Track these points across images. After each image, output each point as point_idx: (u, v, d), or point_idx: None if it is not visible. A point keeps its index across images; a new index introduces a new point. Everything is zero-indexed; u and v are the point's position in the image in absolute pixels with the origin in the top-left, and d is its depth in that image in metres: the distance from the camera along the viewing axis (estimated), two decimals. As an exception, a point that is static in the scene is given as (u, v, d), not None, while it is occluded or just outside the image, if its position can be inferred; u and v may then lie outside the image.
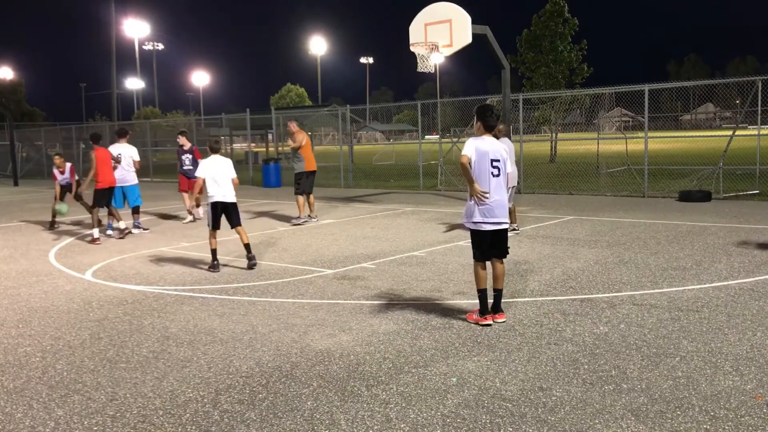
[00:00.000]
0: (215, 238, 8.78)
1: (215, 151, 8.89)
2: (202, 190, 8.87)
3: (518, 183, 18.14)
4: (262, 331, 6.02)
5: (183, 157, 14.50)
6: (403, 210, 15.24)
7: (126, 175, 12.54)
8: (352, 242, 10.85)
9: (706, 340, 5.42)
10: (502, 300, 6.17)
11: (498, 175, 6.00)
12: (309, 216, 13.39)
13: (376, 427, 4.03)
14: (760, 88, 15.32)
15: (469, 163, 5.95)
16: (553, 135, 28.98)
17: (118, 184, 12.20)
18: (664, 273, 7.88)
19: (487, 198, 5.93)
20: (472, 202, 6.00)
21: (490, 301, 6.07)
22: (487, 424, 4.02)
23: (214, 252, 8.78)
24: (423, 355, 5.26)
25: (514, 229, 11.22)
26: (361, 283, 7.86)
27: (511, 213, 11.25)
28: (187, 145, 14.53)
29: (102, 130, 37.99)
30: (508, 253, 6.19)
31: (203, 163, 8.82)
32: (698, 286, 7.21)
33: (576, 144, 31.67)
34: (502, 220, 6.03)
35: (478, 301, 6.07)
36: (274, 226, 13.08)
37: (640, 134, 18.88)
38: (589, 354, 5.18)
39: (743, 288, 7.07)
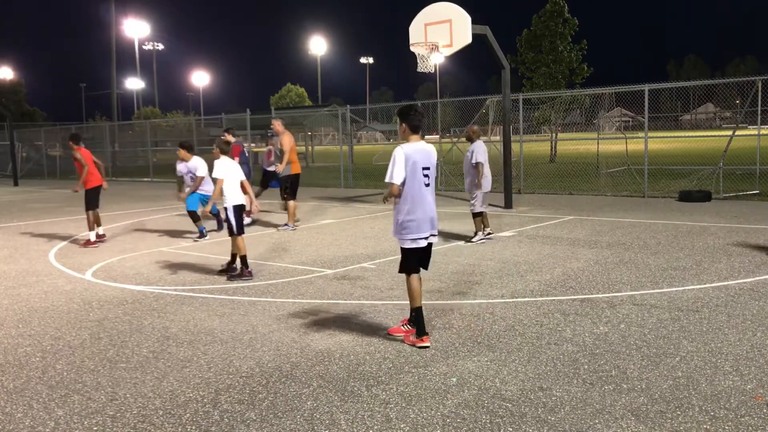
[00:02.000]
0: (242, 241, 8.26)
1: (226, 152, 8.52)
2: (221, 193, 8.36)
3: (519, 183, 18.16)
4: (262, 331, 6.02)
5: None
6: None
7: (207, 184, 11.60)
8: (352, 242, 10.85)
9: (706, 340, 5.42)
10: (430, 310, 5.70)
11: (428, 185, 5.56)
12: (287, 224, 12.65)
13: (376, 427, 4.03)
14: (760, 88, 15.32)
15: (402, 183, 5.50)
16: (553, 135, 28.98)
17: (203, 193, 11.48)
18: (664, 273, 7.88)
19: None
20: (403, 215, 5.52)
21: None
22: (487, 424, 4.02)
23: (244, 258, 8.24)
24: (423, 355, 5.26)
25: (488, 236, 10.58)
26: (361, 283, 7.86)
27: (484, 218, 10.64)
28: (231, 142, 13.95)
29: (102, 130, 38.01)
30: (427, 268, 5.81)
31: (223, 165, 8.33)
32: (698, 286, 7.21)
33: (576, 144, 31.67)
34: (434, 233, 5.64)
35: (414, 318, 5.60)
36: (275, 226, 13.08)
37: (640, 134, 18.88)
38: (589, 354, 5.18)
39: (743, 288, 7.07)
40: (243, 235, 8.31)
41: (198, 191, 11.53)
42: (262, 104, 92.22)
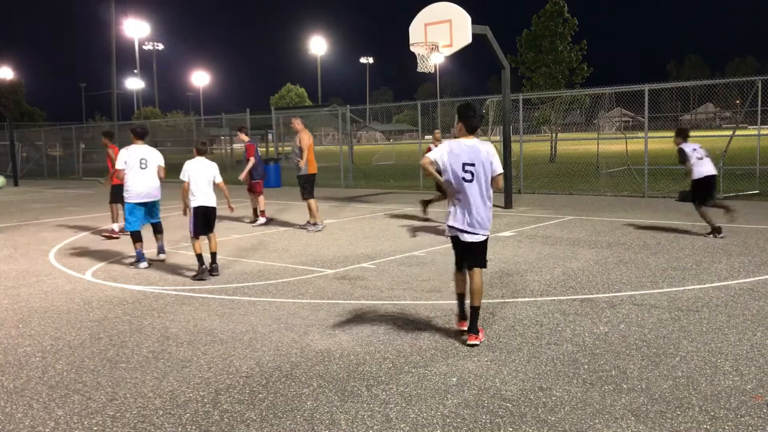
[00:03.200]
0: (198, 242, 8.37)
1: (201, 153, 8.59)
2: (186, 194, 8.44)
3: (519, 183, 18.16)
4: (262, 331, 6.02)
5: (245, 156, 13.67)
6: (403, 210, 15.24)
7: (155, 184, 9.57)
8: (352, 242, 10.85)
9: (706, 340, 5.42)
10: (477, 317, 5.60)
11: (471, 181, 5.49)
12: (309, 222, 12.51)
13: (376, 427, 4.03)
14: (760, 88, 15.33)
15: (432, 165, 5.61)
16: (553, 135, 28.99)
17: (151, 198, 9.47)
18: (664, 273, 7.88)
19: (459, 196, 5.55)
20: (452, 205, 5.61)
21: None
22: (487, 424, 4.02)
23: (200, 257, 8.30)
24: (423, 355, 5.26)
25: None
26: (361, 283, 7.86)
27: None
28: (245, 141, 13.63)
29: (102, 130, 38.01)
30: (485, 265, 5.68)
31: (186, 166, 8.44)
32: (698, 286, 7.21)
33: (576, 144, 31.67)
34: (473, 230, 5.53)
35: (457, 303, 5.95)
36: (275, 226, 13.08)
37: (640, 134, 18.89)
38: (589, 354, 5.18)
39: (743, 288, 7.07)
40: (198, 237, 8.39)
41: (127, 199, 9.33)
42: (262, 104, 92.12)
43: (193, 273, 8.55)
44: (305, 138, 12.17)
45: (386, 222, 13.24)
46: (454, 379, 4.74)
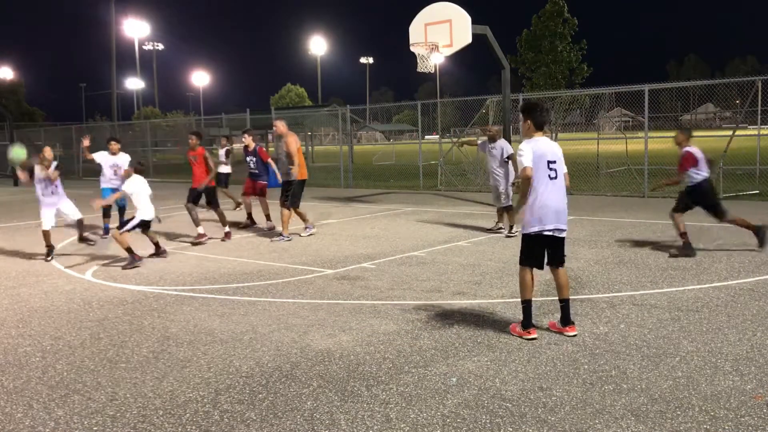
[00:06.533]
0: (128, 237, 9.31)
1: (141, 172, 9.76)
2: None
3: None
4: (262, 331, 6.02)
5: (248, 159, 13.04)
6: (403, 210, 15.24)
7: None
8: (352, 242, 10.85)
9: (706, 340, 5.42)
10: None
11: (555, 178, 5.52)
12: (307, 227, 11.78)
13: (376, 427, 4.03)
14: (760, 88, 15.33)
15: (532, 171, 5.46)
16: (553, 135, 28.99)
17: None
18: (664, 273, 7.88)
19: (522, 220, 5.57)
20: (528, 213, 5.58)
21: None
22: (487, 424, 4.02)
23: (130, 249, 9.27)
24: (423, 355, 5.26)
25: (501, 231, 11.26)
26: (361, 283, 7.86)
27: (502, 214, 11.28)
28: (252, 146, 13.04)
29: (102, 130, 38.03)
30: (563, 262, 5.78)
31: (135, 182, 9.54)
32: (698, 286, 7.21)
33: (576, 144, 31.66)
34: (560, 226, 5.60)
35: (522, 309, 5.74)
36: (275, 226, 13.06)
37: (640, 134, 18.89)
38: (589, 354, 5.18)
39: (743, 288, 7.07)
40: (127, 234, 9.35)
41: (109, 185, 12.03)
42: (262, 104, 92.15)
43: (192, 276, 8.55)
44: (292, 142, 11.23)
45: (386, 222, 13.24)
46: (454, 379, 4.74)
